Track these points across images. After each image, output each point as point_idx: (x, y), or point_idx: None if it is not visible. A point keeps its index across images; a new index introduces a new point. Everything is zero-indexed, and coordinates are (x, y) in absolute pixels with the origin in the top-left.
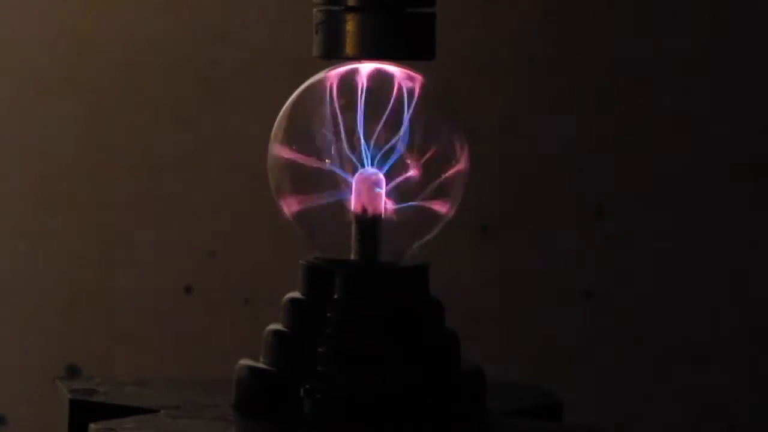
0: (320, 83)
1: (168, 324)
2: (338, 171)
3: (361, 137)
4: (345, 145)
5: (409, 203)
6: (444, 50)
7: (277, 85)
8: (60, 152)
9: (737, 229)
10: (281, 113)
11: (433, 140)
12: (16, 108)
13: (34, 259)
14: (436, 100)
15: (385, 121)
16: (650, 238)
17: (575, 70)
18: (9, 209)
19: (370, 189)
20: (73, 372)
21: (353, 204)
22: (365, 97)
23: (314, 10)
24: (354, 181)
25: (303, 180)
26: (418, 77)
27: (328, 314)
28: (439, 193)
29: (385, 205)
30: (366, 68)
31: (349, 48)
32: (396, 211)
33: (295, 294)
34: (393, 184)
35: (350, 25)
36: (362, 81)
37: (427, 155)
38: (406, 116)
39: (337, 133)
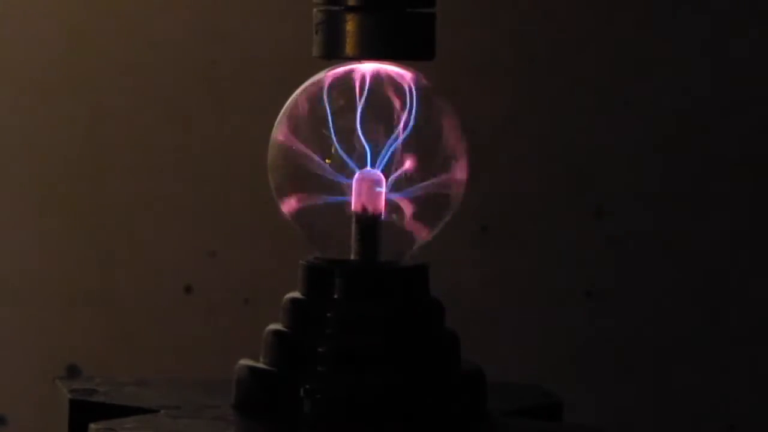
0: (320, 83)
1: (168, 324)
2: (338, 171)
3: (361, 137)
4: (345, 145)
5: (410, 203)
6: (444, 50)
7: (277, 85)
8: (60, 152)
9: (737, 229)
10: (281, 113)
11: (433, 140)
12: (16, 108)
13: (34, 259)
14: (436, 100)
15: (385, 121)
16: (650, 238)
17: (575, 70)
18: (9, 209)
19: (370, 189)
20: (73, 372)
21: (353, 204)
22: (365, 97)
23: (314, 10)
24: (354, 180)
25: (303, 180)
26: (419, 77)
27: (328, 314)
28: (440, 193)
29: (385, 204)
30: (366, 68)
31: (349, 48)
32: (396, 210)
33: (295, 294)
34: (393, 184)
35: (350, 25)
36: (362, 81)
37: (427, 155)
38: (406, 116)
39: (337, 133)
